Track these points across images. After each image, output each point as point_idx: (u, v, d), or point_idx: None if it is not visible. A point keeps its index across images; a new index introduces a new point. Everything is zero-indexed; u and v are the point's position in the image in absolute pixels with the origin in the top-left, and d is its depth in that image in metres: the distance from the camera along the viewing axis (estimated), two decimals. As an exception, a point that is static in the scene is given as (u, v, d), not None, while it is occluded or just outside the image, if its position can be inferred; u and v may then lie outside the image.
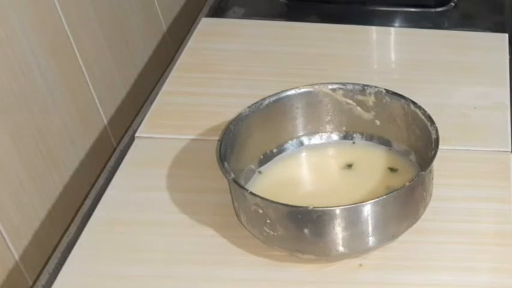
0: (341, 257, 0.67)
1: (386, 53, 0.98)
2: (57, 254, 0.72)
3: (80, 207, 0.79)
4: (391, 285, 0.66)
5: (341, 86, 0.76)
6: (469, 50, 0.94)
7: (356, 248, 0.66)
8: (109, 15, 0.92)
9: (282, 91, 0.76)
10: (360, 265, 0.67)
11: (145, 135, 0.83)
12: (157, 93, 0.90)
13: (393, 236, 0.67)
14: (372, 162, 0.76)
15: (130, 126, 0.88)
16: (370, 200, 0.64)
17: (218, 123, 0.80)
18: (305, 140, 0.78)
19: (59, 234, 0.77)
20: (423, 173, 0.67)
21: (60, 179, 0.80)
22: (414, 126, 0.73)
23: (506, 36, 0.96)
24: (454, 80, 0.85)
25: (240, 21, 1.06)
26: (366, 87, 0.75)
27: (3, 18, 0.71)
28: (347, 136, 0.79)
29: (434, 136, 0.70)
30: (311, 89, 0.76)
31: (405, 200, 0.66)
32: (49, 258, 0.73)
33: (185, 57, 0.96)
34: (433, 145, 0.69)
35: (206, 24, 1.02)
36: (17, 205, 0.73)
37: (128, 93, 0.96)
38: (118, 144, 0.88)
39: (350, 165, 0.76)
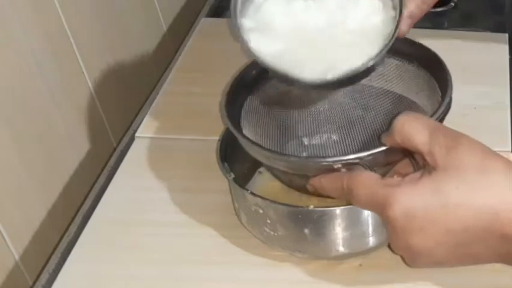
0: (341, 257, 0.67)
1: (386, 53, 0.98)
2: (58, 254, 0.72)
3: (80, 207, 0.79)
4: (391, 285, 0.66)
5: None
6: (469, 50, 0.94)
7: (356, 248, 0.66)
8: (109, 15, 0.92)
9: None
10: (360, 265, 0.67)
11: (145, 135, 0.83)
12: (157, 93, 0.90)
13: (394, 236, 0.67)
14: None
15: (130, 126, 0.88)
16: (370, 200, 0.64)
17: (218, 123, 0.80)
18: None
19: (59, 234, 0.77)
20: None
21: (60, 179, 0.80)
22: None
23: (506, 36, 0.96)
24: (453, 80, 0.85)
25: (240, 21, 1.06)
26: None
27: (3, 18, 0.71)
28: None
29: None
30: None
31: (406, 200, 0.66)
32: (49, 258, 0.73)
33: (185, 57, 0.96)
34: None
35: (206, 24, 1.02)
36: (17, 205, 0.73)
37: (129, 93, 0.96)
38: (118, 144, 0.88)
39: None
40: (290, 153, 0.72)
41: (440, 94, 0.68)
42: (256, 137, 0.71)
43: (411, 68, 0.73)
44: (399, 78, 0.74)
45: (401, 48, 0.72)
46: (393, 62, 0.74)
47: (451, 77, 0.68)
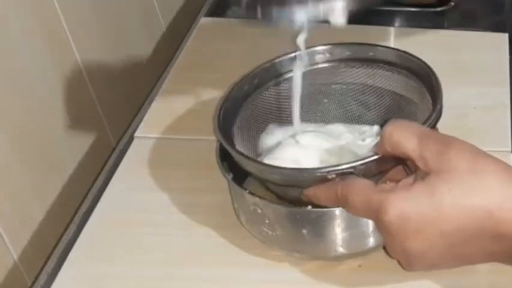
0: (340, 257, 0.67)
1: (386, 53, 0.97)
2: (56, 254, 0.72)
3: (79, 207, 0.79)
4: (391, 286, 0.65)
5: None
6: (469, 50, 0.94)
7: (356, 248, 0.66)
8: (108, 15, 0.92)
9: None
10: (360, 266, 0.67)
11: (144, 135, 0.83)
12: (156, 93, 0.90)
13: (393, 237, 0.67)
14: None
15: (129, 126, 0.88)
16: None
17: (217, 123, 0.80)
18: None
19: (58, 235, 0.77)
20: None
21: (59, 179, 0.80)
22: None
23: (506, 36, 0.96)
24: (454, 80, 0.85)
25: (240, 20, 1.06)
26: None
27: (2, 19, 0.71)
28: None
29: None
30: None
31: (405, 200, 0.66)
32: (48, 258, 0.73)
33: (184, 57, 0.96)
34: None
35: (205, 24, 1.02)
36: (16, 205, 0.73)
37: (127, 93, 0.96)
38: (117, 144, 0.88)
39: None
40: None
41: (431, 101, 0.68)
42: (248, 151, 0.70)
43: (400, 78, 0.72)
44: (389, 87, 0.74)
45: (388, 59, 0.73)
46: (382, 73, 0.73)
47: (440, 83, 0.68)
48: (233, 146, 0.67)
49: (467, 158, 0.57)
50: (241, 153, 0.66)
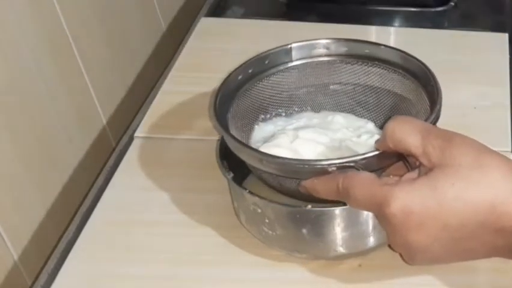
0: (340, 257, 0.67)
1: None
2: (57, 254, 0.72)
3: (79, 207, 0.79)
4: (391, 285, 0.66)
5: None
6: (469, 50, 0.94)
7: (356, 248, 0.66)
8: (108, 15, 0.92)
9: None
10: (360, 265, 0.67)
11: (144, 135, 0.83)
12: (157, 93, 0.90)
13: (393, 236, 0.67)
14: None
15: (129, 126, 0.88)
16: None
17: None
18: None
19: (58, 235, 0.77)
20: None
21: (60, 179, 0.80)
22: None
23: (506, 36, 0.96)
24: (453, 80, 0.85)
25: (240, 20, 1.06)
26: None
27: (2, 18, 0.71)
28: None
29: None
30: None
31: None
32: (48, 258, 0.73)
33: (184, 57, 0.96)
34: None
35: (205, 24, 1.02)
36: (16, 205, 0.73)
37: (128, 93, 0.96)
38: (117, 144, 0.88)
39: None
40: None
41: (428, 103, 0.68)
42: (243, 140, 0.70)
43: (396, 77, 0.72)
44: (385, 86, 0.74)
45: (385, 57, 0.73)
46: (376, 71, 0.73)
47: (438, 84, 0.68)
48: (233, 136, 0.66)
49: (470, 153, 0.57)
50: (241, 142, 0.65)
